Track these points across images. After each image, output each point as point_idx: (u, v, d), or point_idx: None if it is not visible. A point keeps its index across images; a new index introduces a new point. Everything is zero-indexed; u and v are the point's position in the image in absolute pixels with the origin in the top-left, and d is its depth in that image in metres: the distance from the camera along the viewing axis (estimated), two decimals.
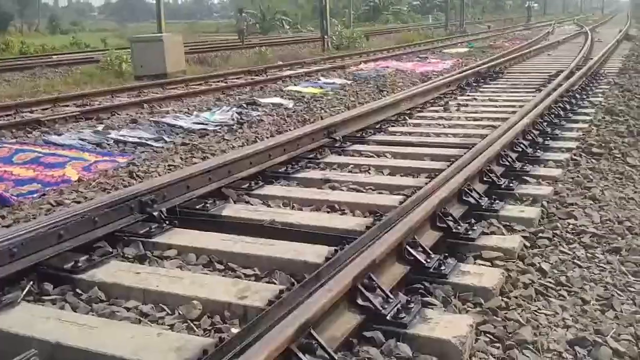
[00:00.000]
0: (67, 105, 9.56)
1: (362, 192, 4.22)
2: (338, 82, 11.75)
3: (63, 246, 3.04)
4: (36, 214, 4.09)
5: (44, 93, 11.56)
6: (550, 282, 2.80)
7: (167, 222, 3.53)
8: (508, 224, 3.47)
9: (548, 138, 5.57)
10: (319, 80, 12.18)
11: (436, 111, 7.51)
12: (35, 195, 4.60)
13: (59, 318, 2.42)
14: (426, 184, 3.82)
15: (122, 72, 14.42)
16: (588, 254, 3.13)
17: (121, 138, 6.66)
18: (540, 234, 3.34)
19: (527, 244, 3.23)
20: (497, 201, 3.73)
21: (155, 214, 3.54)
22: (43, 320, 2.41)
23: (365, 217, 3.67)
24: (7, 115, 8.75)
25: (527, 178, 4.36)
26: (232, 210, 3.85)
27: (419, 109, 7.61)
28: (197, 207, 3.81)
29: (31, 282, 2.84)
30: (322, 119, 7.22)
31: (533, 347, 2.27)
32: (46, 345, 2.23)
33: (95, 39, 33.51)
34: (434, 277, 2.72)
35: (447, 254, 2.89)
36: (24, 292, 2.75)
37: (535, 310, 2.56)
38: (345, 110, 7.92)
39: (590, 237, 3.33)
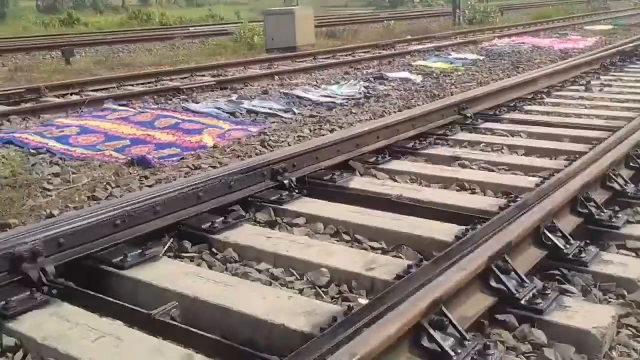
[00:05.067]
0: (204, 75, 10.00)
1: (494, 171, 4.07)
2: (470, 57, 11.37)
3: (201, 207, 3.20)
4: (176, 175, 4.33)
5: (182, 62, 12.15)
6: None
7: (296, 190, 3.60)
8: None
9: None
10: (449, 55, 11.85)
11: (577, 90, 7.07)
12: (174, 158, 4.86)
13: (197, 274, 2.55)
14: (566, 166, 3.62)
15: (254, 44, 14.82)
16: None
17: (253, 108, 6.87)
18: None
19: None
20: None
21: (285, 182, 3.63)
22: (182, 275, 2.54)
23: (497, 197, 3.54)
24: (149, 83, 9.32)
25: None
26: (359, 182, 3.85)
27: (557, 87, 7.20)
28: (325, 178, 3.85)
29: (171, 239, 3.02)
30: (452, 94, 7.03)
31: None
32: (185, 299, 2.35)
33: (229, 12, 34.67)
34: (573, 264, 2.57)
35: (588, 242, 2.72)
36: (165, 248, 2.93)
37: None
38: (477, 86, 7.66)
39: None
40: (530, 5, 35.87)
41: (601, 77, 8.03)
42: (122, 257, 2.64)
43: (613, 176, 3.45)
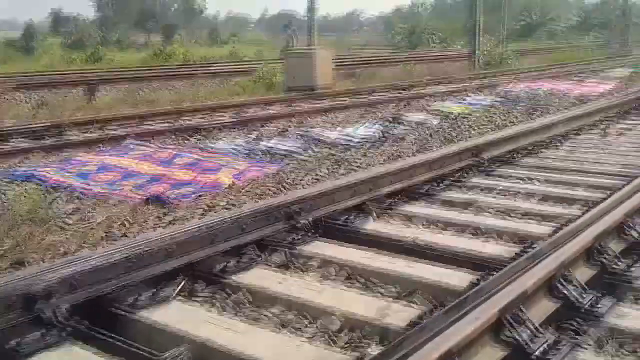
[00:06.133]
0: (223, 114, 10.14)
1: (509, 217, 4.05)
2: (486, 100, 11.42)
3: (214, 249, 3.21)
4: (192, 214, 4.37)
5: (202, 101, 12.35)
6: None
7: (311, 232, 3.62)
8: None
9: None
10: (466, 98, 11.92)
11: (594, 136, 7.06)
12: (191, 197, 4.91)
13: (209, 318, 2.56)
14: (582, 214, 3.59)
15: (274, 84, 15.04)
16: None
17: (271, 147, 6.94)
18: None
19: None
20: None
21: (300, 224, 3.64)
22: (193, 318, 2.55)
23: (512, 244, 3.52)
24: (169, 121, 9.46)
25: None
26: (373, 225, 3.86)
27: (574, 132, 7.20)
28: (340, 219, 3.86)
29: (184, 280, 3.03)
30: (468, 138, 7.06)
31: None
32: (195, 343, 2.35)
33: (251, 51, 35.26)
34: (588, 316, 2.54)
35: (603, 293, 2.69)
36: (178, 289, 2.94)
37: None
38: (493, 130, 7.68)
39: None
40: (548, 50, 36.05)
41: (618, 123, 8.02)
42: (134, 298, 2.66)
43: (629, 226, 3.42)
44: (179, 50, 31.06)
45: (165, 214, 4.46)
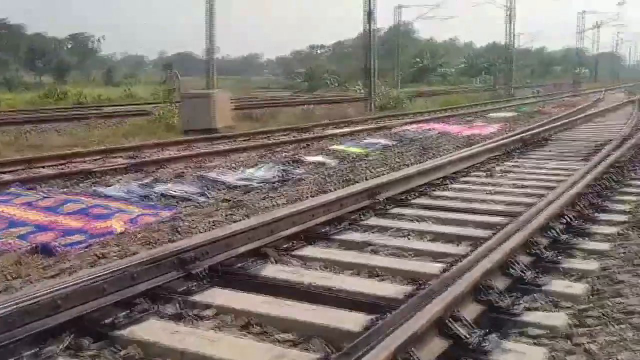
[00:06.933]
0: (117, 157, 9.84)
1: (404, 257, 4.18)
2: (382, 142, 11.81)
3: (104, 301, 3.08)
4: (80, 265, 4.17)
5: (96, 144, 11.94)
6: None
7: (207, 280, 3.55)
8: (554, 299, 3.36)
9: (596, 210, 5.43)
10: (363, 140, 12.26)
11: (481, 176, 7.44)
12: (80, 246, 4.69)
13: None
14: (469, 252, 3.76)
15: (172, 125, 14.82)
16: (638, 337, 2.99)
17: (166, 192, 6.79)
18: (587, 312, 3.22)
19: (574, 322, 3.11)
20: (542, 275, 3.63)
21: (195, 271, 3.57)
22: None
23: (406, 284, 3.61)
24: (59, 165, 9.05)
25: (574, 252, 4.24)
26: (272, 270, 3.84)
27: (463, 173, 7.56)
28: (237, 266, 3.82)
29: (71, 336, 2.87)
30: (365, 179, 7.23)
31: None
32: None
33: (148, 91, 34.66)
34: (476, 354, 2.63)
35: (489, 330, 2.81)
36: (63, 346, 2.78)
37: None
38: (389, 171, 7.93)
39: None
40: (439, 93, 37.98)
41: (503, 163, 8.51)
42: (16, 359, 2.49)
43: (512, 263, 3.61)
44: (71, 90, 30.03)
45: (52, 265, 4.22)
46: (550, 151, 9.98)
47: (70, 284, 3.00)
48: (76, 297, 2.96)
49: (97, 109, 20.65)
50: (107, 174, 8.07)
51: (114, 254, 4.42)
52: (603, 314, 3.21)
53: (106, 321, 2.94)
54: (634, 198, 6.02)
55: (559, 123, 14.33)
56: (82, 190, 6.90)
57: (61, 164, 9.09)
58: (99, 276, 3.12)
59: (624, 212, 5.42)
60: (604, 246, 4.37)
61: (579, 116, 16.94)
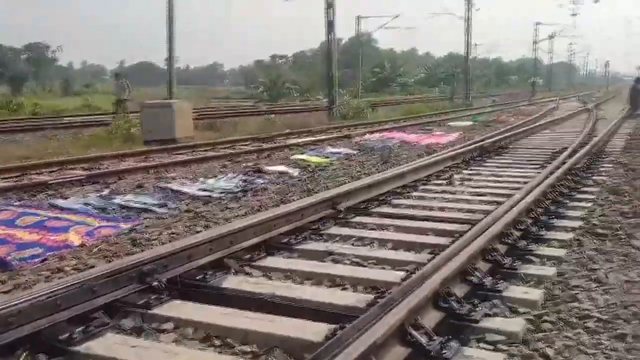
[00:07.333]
0: (75, 169, 9.64)
1: (365, 266, 4.20)
2: (344, 151, 11.86)
3: (60, 316, 3.01)
4: (36, 279, 4.07)
5: (52, 155, 11.69)
6: None
7: (166, 292, 3.50)
8: (512, 305, 3.42)
9: (552, 216, 5.55)
10: (325, 149, 12.30)
11: (440, 184, 7.54)
12: (37, 259, 4.58)
13: None
14: (429, 260, 3.80)
15: (131, 136, 14.61)
16: (593, 340, 3.06)
17: (125, 203, 6.68)
18: (544, 317, 3.28)
19: (531, 327, 3.17)
20: (500, 281, 3.69)
21: (155, 284, 3.52)
22: None
23: (367, 293, 3.63)
24: (14, 177, 8.81)
25: (531, 258, 4.32)
26: (232, 282, 3.82)
27: (423, 181, 7.65)
28: (198, 277, 3.79)
29: (25, 353, 2.80)
30: (327, 189, 7.25)
31: None
32: None
33: (107, 102, 34.17)
34: None
35: (449, 337, 2.83)
36: None
37: None
38: (350, 180, 7.97)
39: (595, 321, 3.27)
40: (400, 102, 38.43)
41: (462, 171, 8.64)
42: None
43: (471, 270, 3.66)
44: (27, 101, 29.38)
45: (7, 280, 4.11)
46: (508, 159, 10.19)
47: (25, 299, 2.92)
48: (31, 312, 2.89)
49: (52, 120, 20.22)
50: (64, 186, 7.91)
51: (71, 268, 4.32)
52: (559, 319, 3.28)
53: (62, 337, 2.87)
54: (588, 205, 6.18)
55: (517, 131, 14.64)
56: (39, 203, 6.74)
57: (16, 176, 8.85)
58: (54, 291, 3.05)
59: (579, 218, 5.56)
60: (560, 252, 4.47)
61: (536, 124, 17.34)
